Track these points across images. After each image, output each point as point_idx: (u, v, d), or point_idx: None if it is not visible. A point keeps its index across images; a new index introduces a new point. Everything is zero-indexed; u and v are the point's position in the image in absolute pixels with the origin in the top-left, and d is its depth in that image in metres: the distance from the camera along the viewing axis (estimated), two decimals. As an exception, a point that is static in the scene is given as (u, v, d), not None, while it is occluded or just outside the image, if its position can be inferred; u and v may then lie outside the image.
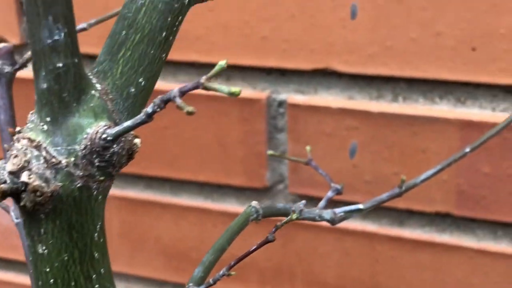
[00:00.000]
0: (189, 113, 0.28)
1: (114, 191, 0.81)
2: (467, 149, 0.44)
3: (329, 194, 0.47)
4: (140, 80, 0.33)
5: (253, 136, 0.72)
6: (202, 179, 0.76)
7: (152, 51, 0.32)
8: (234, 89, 0.26)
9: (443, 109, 0.66)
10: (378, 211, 0.72)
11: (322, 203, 0.45)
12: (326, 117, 0.69)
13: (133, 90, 0.33)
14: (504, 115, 0.64)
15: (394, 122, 0.67)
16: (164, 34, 0.32)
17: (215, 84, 0.27)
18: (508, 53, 0.61)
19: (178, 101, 0.27)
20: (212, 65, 0.73)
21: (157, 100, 0.29)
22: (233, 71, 0.72)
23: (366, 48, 0.65)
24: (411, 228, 0.71)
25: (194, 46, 0.71)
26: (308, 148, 0.51)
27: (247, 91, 0.72)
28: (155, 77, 0.34)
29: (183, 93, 0.28)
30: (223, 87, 0.27)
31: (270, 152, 0.52)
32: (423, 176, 0.44)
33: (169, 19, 0.32)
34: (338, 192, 0.47)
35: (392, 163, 0.68)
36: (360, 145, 0.69)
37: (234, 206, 0.77)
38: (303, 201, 0.42)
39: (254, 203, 0.40)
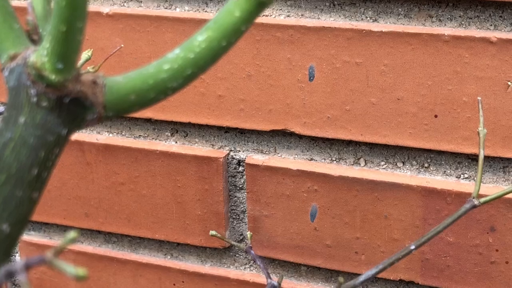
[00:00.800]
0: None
1: (72, 245, 0.78)
2: (412, 247, 0.41)
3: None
4: (4, 227, 0.27)
5: (211, 195, 0.69)
6: (160, 237, 0.73)
7: (20, 193, 0.27)
8: (81, 272, 0.23)
9: (406, 174, 0.63)
10: (340, 275, 0.69)
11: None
12: (286, 178, 0.66)
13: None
14: (469, 183, 0.61)
15: (355, 187, 0.64)
16: (35, 171, 0.27)
17: (61, 264, 0.23)
18: (471, 121, 0.58)
19: (22, 277, 0.24)
20: (167, 122, 0.70)
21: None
22: (191, 129, 0.69)
23: (325, 111, 0.62)
24: (375, 294, 0.68)
25: (149, 102, 0.68)
26: (249, 234, 0.48)
27: (204, 149, 0.69)
28: (24, 222, 0.29)
29: (27, 268, 0.24)
30: (70, 268, 0.23)
31: (212, 232, 0.50)
32: (362, 277, 0.41)
33: (42, 154, 0.27)
34: (275, 290, 0.44)
35: (354, 228, 0.65)
36: (321, 208, 0.66)
37: (195, 265, 0.74)
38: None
39: None
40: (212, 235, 0.48)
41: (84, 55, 0.47)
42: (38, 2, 0.30)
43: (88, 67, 0.49)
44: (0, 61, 0.26)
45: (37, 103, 0.25)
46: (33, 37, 0.28)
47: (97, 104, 0.26)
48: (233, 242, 0.49)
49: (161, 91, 0.27)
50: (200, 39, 0.27)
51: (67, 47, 0.24)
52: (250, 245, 0.47)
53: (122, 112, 0.27)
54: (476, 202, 0.41)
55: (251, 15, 0.27)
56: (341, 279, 0.40)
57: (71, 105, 0.26)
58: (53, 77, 0.24)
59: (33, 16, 0.28)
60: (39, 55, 0.24)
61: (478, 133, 0.44)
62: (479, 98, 0.49)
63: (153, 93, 0.27)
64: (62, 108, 0.25)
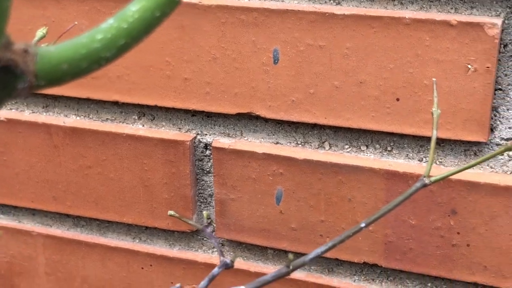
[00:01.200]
0: None
1: (40, 228, 0.78)
2: (362, 224, 0.42)
3: (215, 270, 0.44)
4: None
5: (178, 178, 0.69)
6: (128, 221, 0.73)
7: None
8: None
9: (369, 158, 0.63)
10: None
11: (204, 283, 0.42)
12: (252, 161, 0.66)
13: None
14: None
15: (320, 170, 0.64)
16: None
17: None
18: (432, 104, 0.58)
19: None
20: (134, 105, 0.70)
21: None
22: (158, 112, 0.69)
23: (289, 94, 0.63)
24: (339, 277, 0.68)
25: (115, 85, 0.68)
26: (205, 213, 0.49)
27: (171, 133, 0.69)
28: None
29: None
30: None
31: (170, 212, 0.50)
32: (312, 254, 0.42)
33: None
34: (227, 266, 0.45)
35: (319, 211, 0.65)
36: (286, 192, 0.66)
37: (163, 248, 0.74)
38: (178, 285, 0.39)
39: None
40: (171, 215, 0.48)
41: (39, 32, 0.47)
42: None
43: (43, 45, 0.49)
44: None
45: (-35, 71, 0.25)
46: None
47: (28, 72, 0.26)
48: (189, 221, 0.49)
49: (94, 60, 0.27)
50: (134, 9, 0.27)
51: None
52: (206, 224, 0.48)
53: (54, 81, 0.27)
54: (427, 181, 0.42)
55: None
56: (290, 256, 0.40)
57: (1, 73, 0.26)
58: (-21, 43, 0.24)
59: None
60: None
61: (432, 114, 0.44)
62: (434, 79, 0.49)
63: (85, 63, 0.27)
64: (-10, 75, 0.25)
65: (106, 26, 0.27)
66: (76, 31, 0.67)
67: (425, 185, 0.41)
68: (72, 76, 0.27)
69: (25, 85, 0.27)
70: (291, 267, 0.40)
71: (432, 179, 0.41)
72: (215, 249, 0.72)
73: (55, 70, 0.27)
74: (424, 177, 0.42)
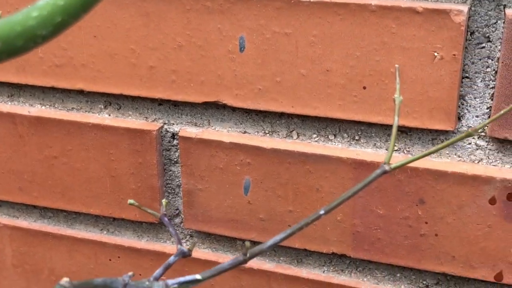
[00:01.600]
0: None
1: (7, 220, 0.77)
2: (322, 211, 0.41)
3: (171, 259, 0.43)
4: None
5: (145, 168, 0.68)
6: (95, 212, 0.72)
7: None
8: None
9: (337, 147, 0.62)
10: (276, 248, 0.68)
11: (159, 271, 0.41)
12: (219, 151, 0.65)
13: None
14: (398, 155, 0.61)
15: (287, 159, 0.63)
16: None
17: None
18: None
19: None
20: (100, 94, 0.69)
21: None
22: (124, 101, 0.68)
23: (256, 82, 0.62)
24: (309, 268, 0.67)
25: (80, 73, 0.67)
26: (164, 201, 0.48)
27: (138, 122, 0.68)
28: None
29: None
30: None
31: (130, 201, 0.49)
32: (270, 242, 0.41)
33: None
34: (185, 255, 0.44)
35: (287, 201, 0.65)
36: (254, 182, 0.65)
37: (131, 240, 0.73)
38: (130, 273, 0.38)
39: (64, 280, 0.36)
40: (130, 204, 0.47)
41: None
42: None
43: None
44: None
45: None
46: None
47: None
48: (148, 210, 0.48)
49: (29, 38, 0.26)
50: (70, -14, 0.26)
51: None
52: (164, 213, 0.47)
53: (-14, 61, 0.26)
54: (387, 167, 0.41)
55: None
56: (247, 244, 0.39)
57: None
58: None
59: None
60: None
61: (394, 100, 0.44)
62: (396, 65, 0.48)
63: (21, 41, 0.26)
64: None
65: (42, 3, 0.26)
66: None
67: (385, 172, 0.41)
68: (7, 55, 0.26)
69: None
70: (248, 255, 0.39)
71: (393, 165, 0.41)
72: (183, 241, 0.71)
73: (-13, 49, 0.26)
74: (385, 163, 0.41)
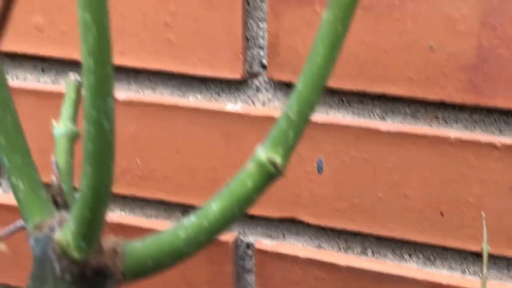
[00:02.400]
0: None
1: None
2: None
3: None
4: None
5: (220, 277, 0.71)
6: (169, 316, 0.74)
7: None
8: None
9: (412, 267, 0.64)
10: None
11: None
12: (294, 265, 0.67)
13: None
14: (474, 278, 0.62)
15: (362, 277, 0.65)
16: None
17: None
18: (476, 221, 0.59)
19: None
20: (179, 205, 0.71)
21: None
22: (201, 211, 0.71)
23: (333, 202, 0.64)
24: None
25: (161, 185, 0.70)
26: None
27: (214, 232, 0.70)
28: None
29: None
30: None
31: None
32: None
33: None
34: None
35: (360, 316, 0.66)
36: (328, 296, 0.67)
37: None
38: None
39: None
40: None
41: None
42: (61, 157, 0.31)
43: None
44: (27, 227, 0.28)
45: (61, 277, 0.27)
46: (57, 199, 0.29)
47: (117, 272, 0.28)
48: None
49: (176, 257, 0.29)
50: (215, 208, 0.28)
51: (90, 229, 0.26)
52: None
53: (138, 276, 0.29)
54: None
55: (262, 185, 0.28)
56: None
57: (93, 277, 0.27)
58: (76, 254, 0.26)
59: (57, 175, 0.30)
60: (64, 233, 0.26)
61: (482, 250, 0.45)
62: (482, 213, 0.50)
63: (169, 259, 0.28)
64: (84, 280, 0.27)
65: (189, 223, 0.29)
66: (123, 134, 0.69)
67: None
68: (155, 271, 0.29)
69: (113, 284, 0.28)
70: None
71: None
72: None
73: (140, 266, 0.28)
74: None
